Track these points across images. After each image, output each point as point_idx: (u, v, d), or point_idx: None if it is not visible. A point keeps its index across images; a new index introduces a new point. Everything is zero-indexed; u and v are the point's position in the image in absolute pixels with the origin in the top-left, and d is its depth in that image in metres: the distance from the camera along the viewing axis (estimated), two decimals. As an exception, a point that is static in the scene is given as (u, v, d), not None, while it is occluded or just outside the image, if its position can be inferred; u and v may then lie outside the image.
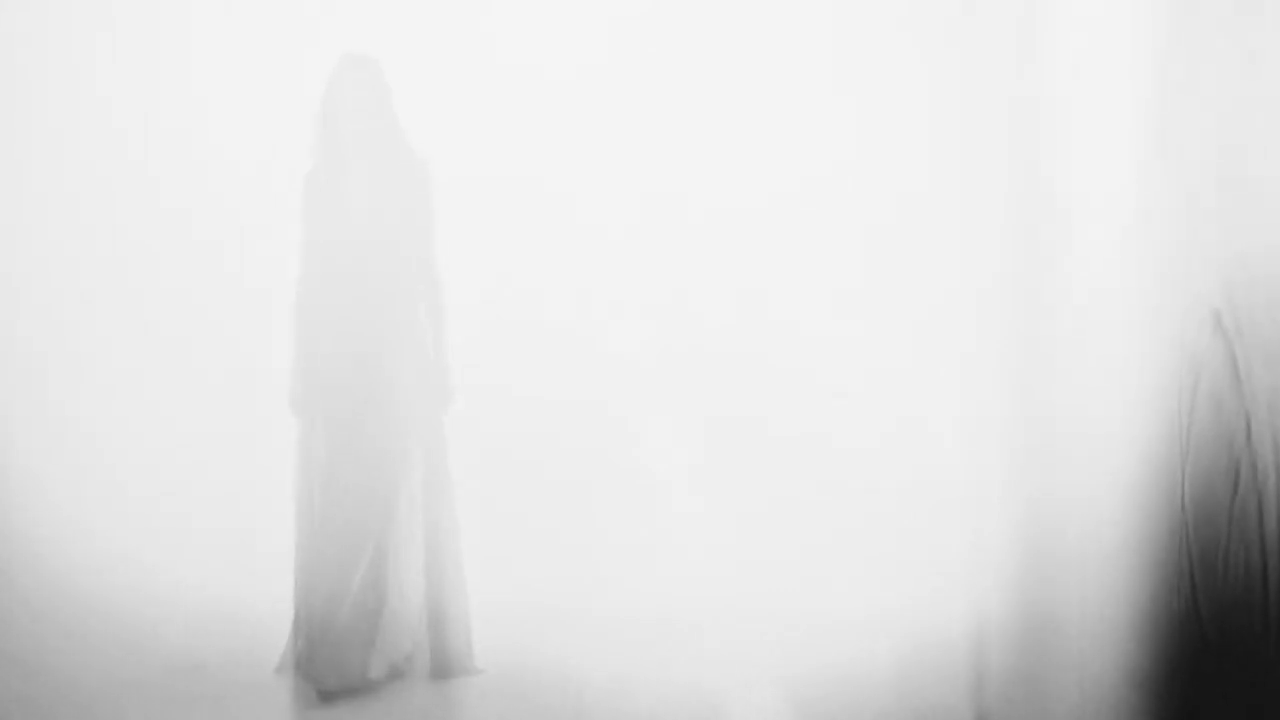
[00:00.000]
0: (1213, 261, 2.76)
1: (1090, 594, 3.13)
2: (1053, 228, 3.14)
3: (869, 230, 3.94)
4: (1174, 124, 2.87)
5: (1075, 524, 3.16)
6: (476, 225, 4.60)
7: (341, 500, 3.82)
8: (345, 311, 3.92)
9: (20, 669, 3.94)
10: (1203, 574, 2.96)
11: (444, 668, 3.85)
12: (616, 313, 4.15)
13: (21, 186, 4.87)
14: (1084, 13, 3.06)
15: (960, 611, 4.11)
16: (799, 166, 4.03)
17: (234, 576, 4.22)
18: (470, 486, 4.89)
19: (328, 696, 3.73)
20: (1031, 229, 3.21)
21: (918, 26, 3.93)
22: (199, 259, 4.87)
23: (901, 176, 3.88)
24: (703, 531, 3.92)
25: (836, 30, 4.14)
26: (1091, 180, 3.06)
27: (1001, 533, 3.40)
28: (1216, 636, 2.94)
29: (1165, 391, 3.00)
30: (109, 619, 4.27)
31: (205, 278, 4.87)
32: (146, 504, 4.63)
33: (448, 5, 4.77)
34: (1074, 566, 3.16)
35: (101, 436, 4.78)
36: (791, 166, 4.03)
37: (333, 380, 3.89)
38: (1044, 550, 3.27)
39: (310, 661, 3.77)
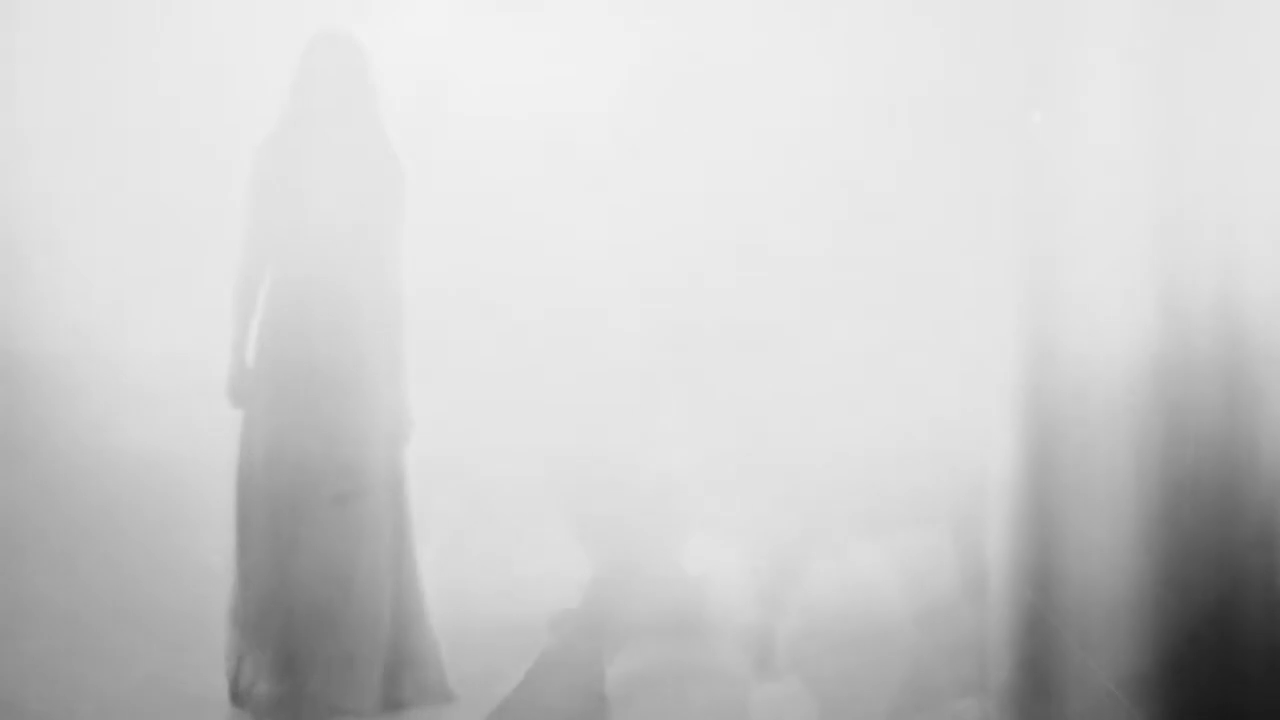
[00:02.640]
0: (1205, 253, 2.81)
1: (1092, 588, 3.15)
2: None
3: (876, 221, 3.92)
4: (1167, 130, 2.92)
5: (1077, 520, 3.19)
6: (475, 224, 4.56)
7: (276, 511, 3.63)
8: (295, 308, 3.65)
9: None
10: (1198, 568, 2.99)
11: (402, 699, 3.67)
12: (620, 317, 4.15)
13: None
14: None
15: (966, 608, 4.16)
16: (800, 159, 4.03)
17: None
18: (477, 494, 4.91)
19: None
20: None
21: (922, 28, 3.96)
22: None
23: (906, 180, 3.90)
24: (712, 526, 3.93)
25: (848, 37, 4.14)
26: (1095, 180, 3.09)
27: (1004, 541, 3.44)
28: (1209, 629, 2.97)
29: (1164, 388, 3.04)
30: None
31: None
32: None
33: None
34: (1077, 560, 3.19)
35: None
36: (792, 159, 4.03)
37: (275, 381, 3.66)
38: (1049, 544, 3.30)
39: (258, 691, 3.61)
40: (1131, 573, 3.11)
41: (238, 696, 3.65)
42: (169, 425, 4.44)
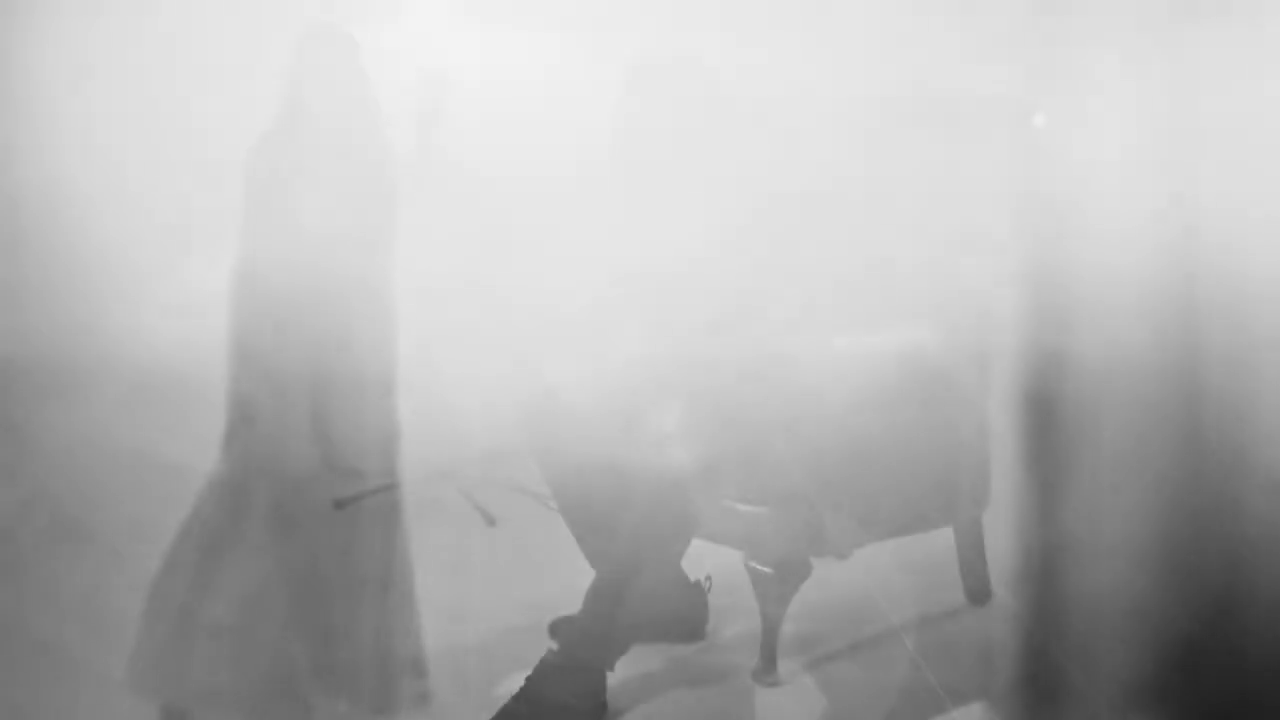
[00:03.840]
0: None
1: (1097, 594, 3.15)
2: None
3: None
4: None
5: (1082, 524, 3.18)
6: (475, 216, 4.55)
7: (273, 518, 3.58)
8: (290, 310, 3.55)
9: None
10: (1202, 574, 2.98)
11: (391, 706, 3.63)
12: (621, 317, 4.13)
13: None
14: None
15: (969, 613, 4.16)
16: (798, 161, 4.01)
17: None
18: (474, 497, 4.90)
19: None
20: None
21: (923, 29, 3.95)
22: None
23: (906, 182, 3.89)
24: (714, 530, 3.91)
25: (849, 38, 4.12)
26: (1098, 184, 3.08)
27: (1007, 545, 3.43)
28: (1213, 636, 2.96)
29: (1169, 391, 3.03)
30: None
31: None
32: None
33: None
34: (1081, 565, 3.18)
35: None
36: (791, 161, 4.01)
37: (270, 384, 3.61)
38: (1052, 549, 3.28)
39: None
40: (1136, 578, 3.10)
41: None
42: (167, 430, 4.44)
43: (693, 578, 4.00)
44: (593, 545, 3.84)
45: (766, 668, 3.79)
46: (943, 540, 4.13)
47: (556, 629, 3.90)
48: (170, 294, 4.45)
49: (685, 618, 4.02)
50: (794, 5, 4.11)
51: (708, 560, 3.95)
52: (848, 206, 3.81)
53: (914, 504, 3.92)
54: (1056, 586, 3.25)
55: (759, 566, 3.77)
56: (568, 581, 3.76)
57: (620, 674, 3.62)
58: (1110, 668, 3.14)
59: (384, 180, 3.72)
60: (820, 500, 3.75)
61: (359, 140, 3.68)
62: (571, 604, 3.66)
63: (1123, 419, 3.11)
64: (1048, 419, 3.25)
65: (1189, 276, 2.94)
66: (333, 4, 4.04)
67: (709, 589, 4.04)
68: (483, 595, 4.17)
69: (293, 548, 3.61)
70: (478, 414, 4.50)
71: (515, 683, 3.56)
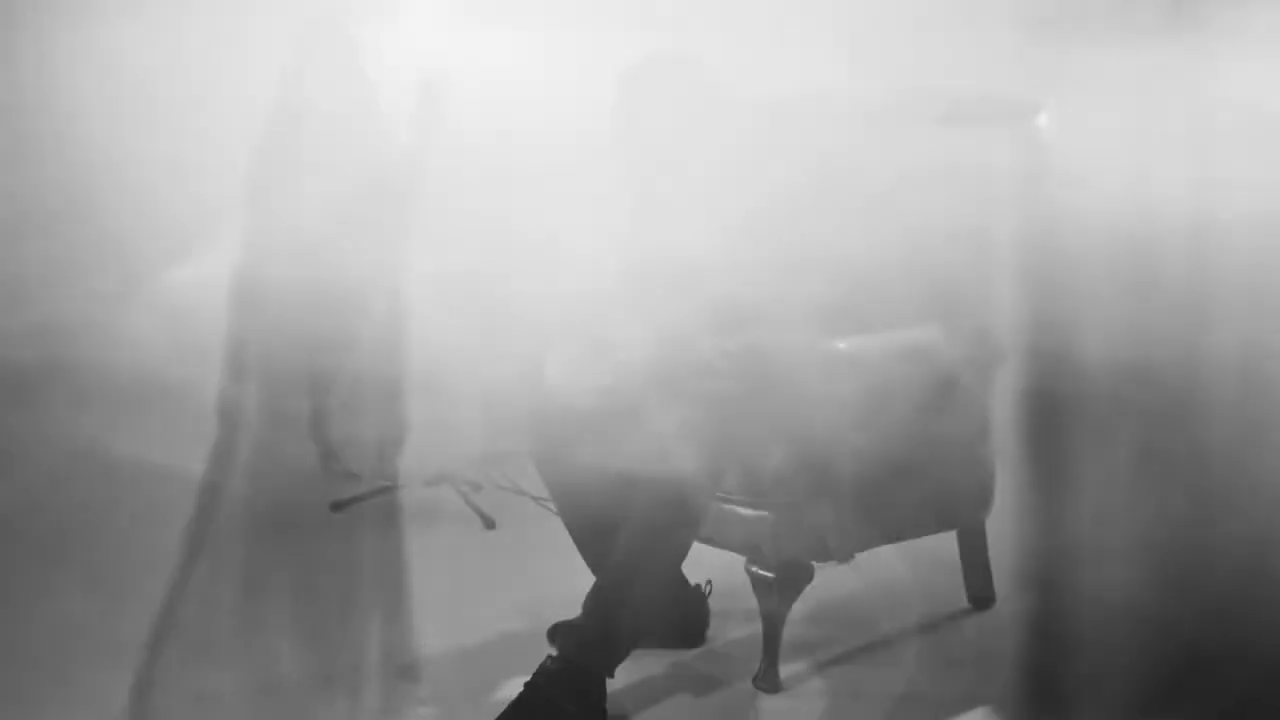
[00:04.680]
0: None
1: (1101, 597, 3.13)
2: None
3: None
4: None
5: (1085, 526, 3.16)
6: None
7: (271, 520, 3.65)
8: (290, 311, 3.63)
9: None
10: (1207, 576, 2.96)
11: (385, 707, 3.63)
12: (621, 318, 4.11)
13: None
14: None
15: (973, 617, 4.15)
16: (798, 161, 3.99)
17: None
18: (474, 499, 4.89)
19: None
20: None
21: (924, 28, 3.93)
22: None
23: (906, 181, 3.87)
24: (715, 533, 3.89)
25: (850, 37, 4.10)
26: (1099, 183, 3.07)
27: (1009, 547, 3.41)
28: (1217, 638, 2.94)
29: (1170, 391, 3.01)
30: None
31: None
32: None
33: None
34: (1084, 568, 3.16)
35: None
36: (790, 160, 3.99)
37: (270, 386, 3.67)
38: (1055, 552, 3.27)
39: None
40: (1139, 581, 3.08)
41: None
42: (163, 434, 4.42)
43: (693, 582, 3.98)
44: (593, 549, 3.82)
45: (768, 673, 3.76)
46: (945, 544, 4.11)
47: (556, 634, 3.88)
48: (168, 296, 4.44)
49: (686, 623, 4.00)
50: (794, 5, 4.10)
51: (708, 565, 3.93)
52: (849, 207, 3.79)
53: (916, 507, 3.90)
54: (1059, 591, 3.23)
55: (760, 571, 3.74)
56: (567, 586, 3.73)
57: (620, 680, 3.58)
58: (1113, 671, 3.12)
59: (384, 180, 3.72)
60: (822, 504, 3.73)
61: (359, 140, 3.68)
62: (571, 609, 3.63)
63: (1126, 421, 3.09)
64: (1051, 422, 3.23)
65: (1191, 277, 2.93)
66: (333, 4, 4.02)
67: (709, 594, 4.01)
68: (481, 599, 4.17)
69: (289, 551, 3.61)
70: (477, 417, 4.49)
71: (514, 688, 3.52)
